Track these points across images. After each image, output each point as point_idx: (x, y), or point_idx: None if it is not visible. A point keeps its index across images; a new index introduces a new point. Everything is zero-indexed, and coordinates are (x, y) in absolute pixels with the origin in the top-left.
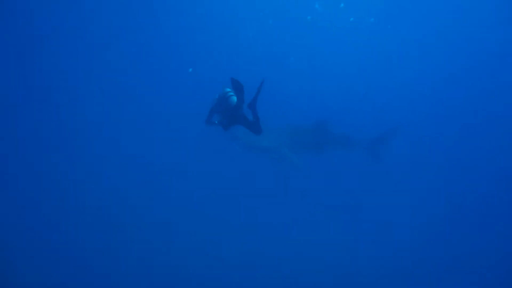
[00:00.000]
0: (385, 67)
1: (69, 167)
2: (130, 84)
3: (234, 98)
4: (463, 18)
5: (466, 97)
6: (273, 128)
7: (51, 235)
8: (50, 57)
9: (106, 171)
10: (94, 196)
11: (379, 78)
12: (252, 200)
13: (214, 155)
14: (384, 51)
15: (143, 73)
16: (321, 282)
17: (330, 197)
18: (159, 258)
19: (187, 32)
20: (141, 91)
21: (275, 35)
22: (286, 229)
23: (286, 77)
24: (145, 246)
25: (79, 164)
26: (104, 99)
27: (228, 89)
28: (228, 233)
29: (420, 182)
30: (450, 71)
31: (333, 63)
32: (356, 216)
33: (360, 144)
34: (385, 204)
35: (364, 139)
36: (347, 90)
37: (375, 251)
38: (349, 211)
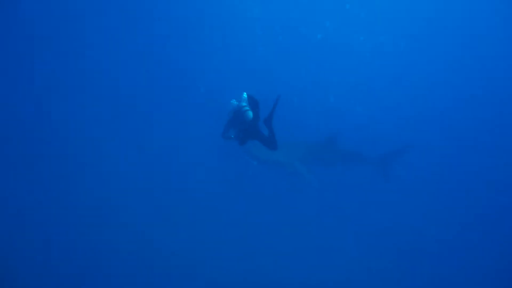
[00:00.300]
0: (396, 85)
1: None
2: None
3: (250, 113)
4: (478, 37)
5: (479, 115)
6: (286, 143)
7: (49, 236)
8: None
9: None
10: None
11: (390, 97)
12: (261, 211)
13: (227, 165)
14: (395, 69)
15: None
16: None
17: (340, 210)
18: (159, 260)
19: (202, 50)
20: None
21: (286, 52)
22: (294, 240)
23: (297, 93)
24: (145, 247)
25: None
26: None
27: (244, 104)
28: (233, 240)
29: (428, 195)
30: (463, 89)
31: (343, 80)
32: (364, 228)
33: (369, 160)
34: (393, 216)
35: (373, 156)
36: (358, 107)
37: (381, 264)
38: (357, 223)
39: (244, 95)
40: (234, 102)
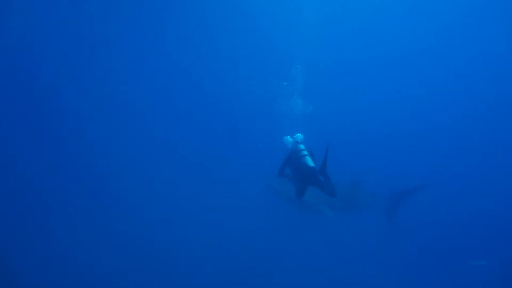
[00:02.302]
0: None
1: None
2: None
3: (309, 160)
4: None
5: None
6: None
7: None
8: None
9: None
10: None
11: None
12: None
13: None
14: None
15: None
16: None
17: None
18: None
19: None
20: None
21: None
22: None
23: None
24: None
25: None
26: None
27: (302, 146)
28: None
29: None
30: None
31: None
32: None
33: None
34: None
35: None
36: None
37: None
38: None
39: (301, 147)
40: (289, 138)
